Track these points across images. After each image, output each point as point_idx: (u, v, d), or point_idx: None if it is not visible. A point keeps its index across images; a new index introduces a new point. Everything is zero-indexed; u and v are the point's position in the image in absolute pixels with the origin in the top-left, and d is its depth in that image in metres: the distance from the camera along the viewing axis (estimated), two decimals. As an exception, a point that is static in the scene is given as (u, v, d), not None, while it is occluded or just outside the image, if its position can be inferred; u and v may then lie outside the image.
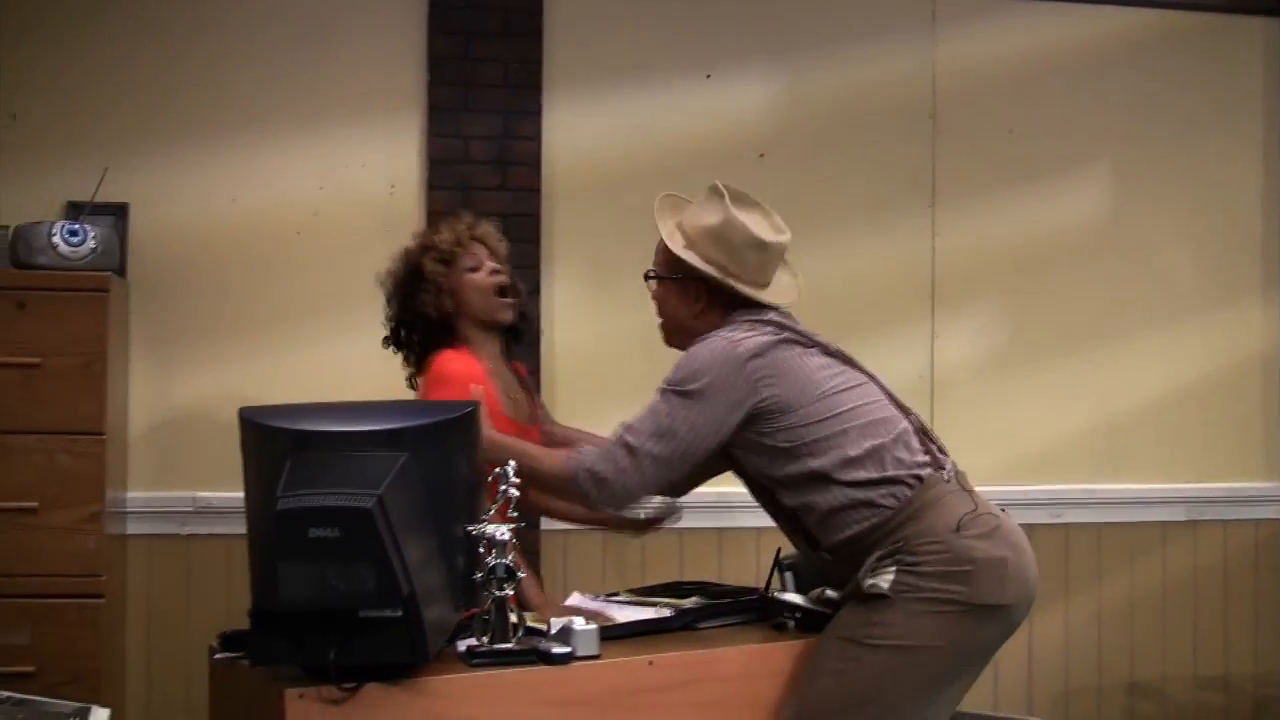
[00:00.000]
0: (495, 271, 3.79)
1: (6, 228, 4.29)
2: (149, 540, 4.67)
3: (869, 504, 3.31)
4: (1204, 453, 5.46)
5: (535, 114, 4.91)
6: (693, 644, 3.29)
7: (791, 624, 3.41)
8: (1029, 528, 4.94)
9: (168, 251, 4.70)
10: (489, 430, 3.50)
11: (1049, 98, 5.34)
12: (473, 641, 3.07)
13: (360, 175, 4.84)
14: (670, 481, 3.43)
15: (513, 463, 3.13)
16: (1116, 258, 5.38)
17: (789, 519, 3.46)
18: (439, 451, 3.02)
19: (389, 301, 3.92)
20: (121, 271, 4.55)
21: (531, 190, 4.87)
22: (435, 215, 4.82)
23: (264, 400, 3.21)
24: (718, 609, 3.53)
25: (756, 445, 3.37)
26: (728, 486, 4.93)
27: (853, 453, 3.31)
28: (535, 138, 4.91)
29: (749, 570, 3.72)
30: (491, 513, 3.10)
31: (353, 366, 4.78)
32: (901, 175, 5.20)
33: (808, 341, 3.43)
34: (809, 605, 3.38)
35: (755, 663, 3.28)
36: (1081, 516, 5.26)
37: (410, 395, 3.92)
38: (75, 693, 3.98)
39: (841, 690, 3.22)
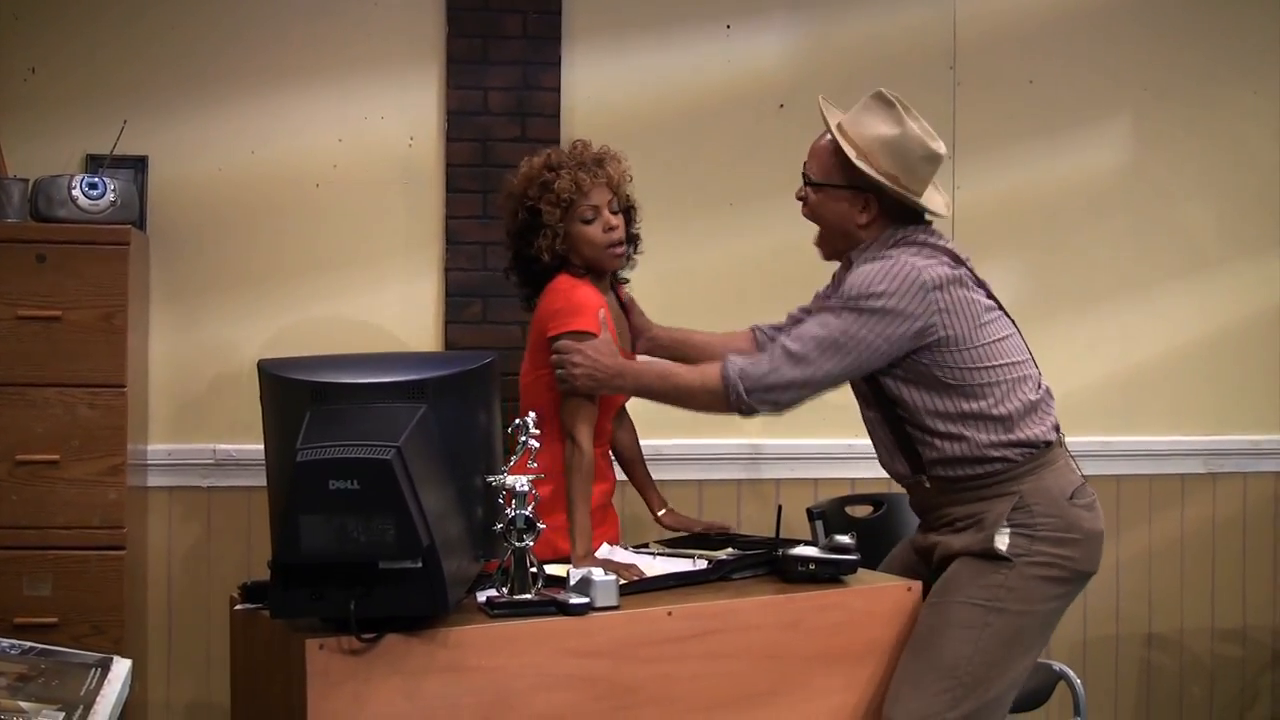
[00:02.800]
0: (610, 227, 3.73)
1: (26, 181, 4.29)
2: (170, 492, 4.69)
3: (1001, 459, 3.42)
4: (1223, 405, 5.44)
5: (555, 65, 4.90)
6: (711, 595, 3.30)
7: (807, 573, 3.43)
8: (1048, 480, 4.94)
9: (187, 204, 4.70)
10: (620, 360, 3.53)
11: (1070, 49, 5.30)
12: (493, 592, 3.09)
13: (379, 127, 4.83)
14: (816, 392, 3.45)
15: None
16: (1136, 210, 5.36)
17: (901, 442, 3.53)
18: (458, 402, 3.03)
19: (506, 230, 3.85)
20: (141, 224, 4.56)
21: (551, 142, 4.85)
22: (454, 168, 4.82)
23: (284, 353, 3.23)
24: (753, 560, 3.55)
25: (915, 372, 3.43)
26: (747, 438, 4.97)
27: (1005, 406, 3.43)
28: (555, 89, 4.89)
29: (770, 521, 3.73)
30: (512, 464, 3.11)
31: (372, 318, 4.79)
32: (921, 127, 5.18)
33: (975, 279, 3.52)
34: (824, 556, 3.40)
35: (773, 613, 3.29)
36: (1100, 469, 5.23)
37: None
38: (97, 644, 4.01)
39: (978, 654, 3.34)
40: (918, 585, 3.45)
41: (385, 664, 2.86)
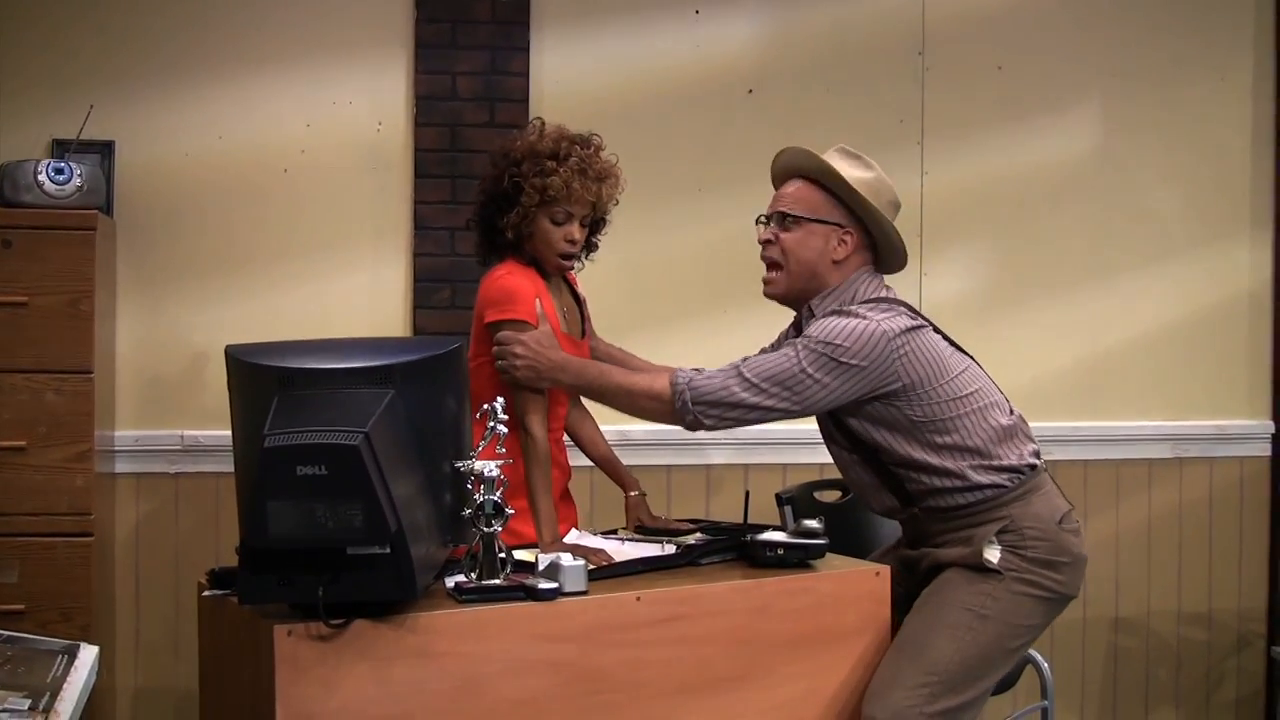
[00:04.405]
0: (571, 239, 3.70)
1: (-9, 166, 4.27)
2: (138, 479, 4.68)
3: (991, 485, 3.51)
4: (1190, 390, 5.47)
5: (523, 50, 4.89)
6: (680, 580, 3.31)
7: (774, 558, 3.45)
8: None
9: (155, 189, 4.68)
10: (562, 354, 3.53)
11: (1038, 35, 5.31)
12: (461, 578, 3.09)
13: (348, 112, 4.82)
14: (761, 419, 3.51)
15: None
16: (1104, 196, 5.38)
17: (885, 479, 3.62)
18: (426, 388, 3.02)
19: (482, 186, 3.80)
20: (108, 209, 4.54)
21: (520, 127, 4.84)
22: (423, 153, 4.81)
23: (252, 338, 3.21)
24: (720, 545, 3.55)
25: (886, 415, 3.52)
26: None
27: (978, 436, 3.51)
28: (523, 74, 4.89)
29: (737, 507, 3.74)
30: (480, 449, 3.11)
31: (340, 304, 4.79)
32: (889, 112, 5.18)
33: (931, 325, 3.61)
34: (792, 541, 3.42)
35: (741, 598, 3.30)
36: (1068, 454, 5.28)
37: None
38: (65, 630, 4.01)
39: (959, 654, 3.40)
40: (885, 570, 3.47)
41: (354, 650, 2.86)
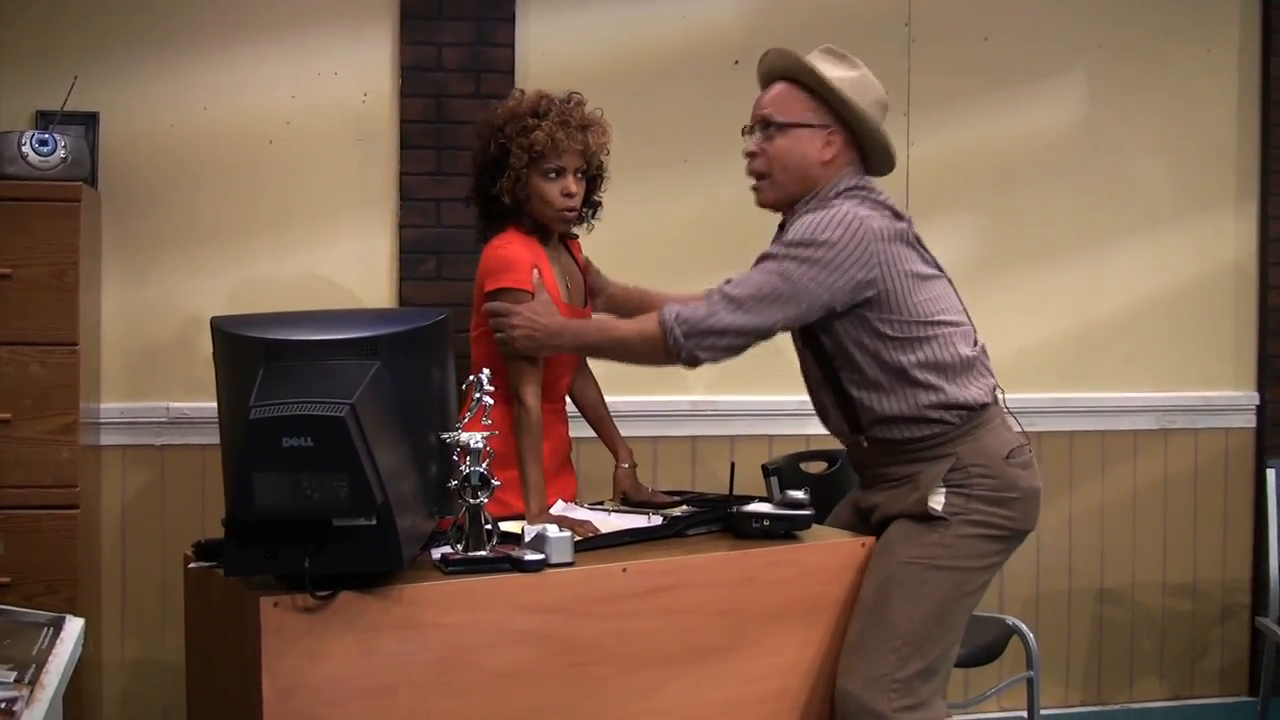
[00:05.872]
0: (568, 192, 3.71)
1: (-26, 137, 4.25)
2: (123, 451, 4.67)
3: (939, 420, 3.45)
4: (1176, 362, 5.48)
5: (509, 21, 4.87)
6: (666, 551, 3.31)
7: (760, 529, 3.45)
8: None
9: (139, 161, 4.66)
10: (559, 319, 3.53)
11: (1025, 5, 5.30)
12: (447, 549, 3.09)
13: (333, 83, 4.80)
14: (755, 339, 3.45)
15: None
16: (1091, 166, 5.38)
17: (840, 400, 3.54)
18: (412, 359, 3.02)
19: (474, 159, 3.83)
20: (93, 181, 4.52)
21: (506, 98, 4.84)
22: (408, 125, 4.80)
23: (237, 310, 3.22)
24: (707, 516, 3.56)
25: (854, 324, 3.44)
26: (701, 395, 4.98)
27: (944, 357, 3.44)
28: (509, 45, 4.87)
29: (723, 479, 3.74)
30: (466, 420, 3.11)
31: (326, 275, 4.77)
32: (876, 83, 5.18)
33: (915, 236, 3.54)
34: (778, 512, 3.42)
35: (727, 569, 3.31)
36: (1054, 425, 5.29)
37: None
38: (51, 603, 4.01)
39: (918, 612, 3.36)
40: (870, 540, 3.48)
41: (340, 621, 2.86)
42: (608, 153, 3.81)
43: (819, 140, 3.54)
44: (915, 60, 5.20)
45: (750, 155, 3.63)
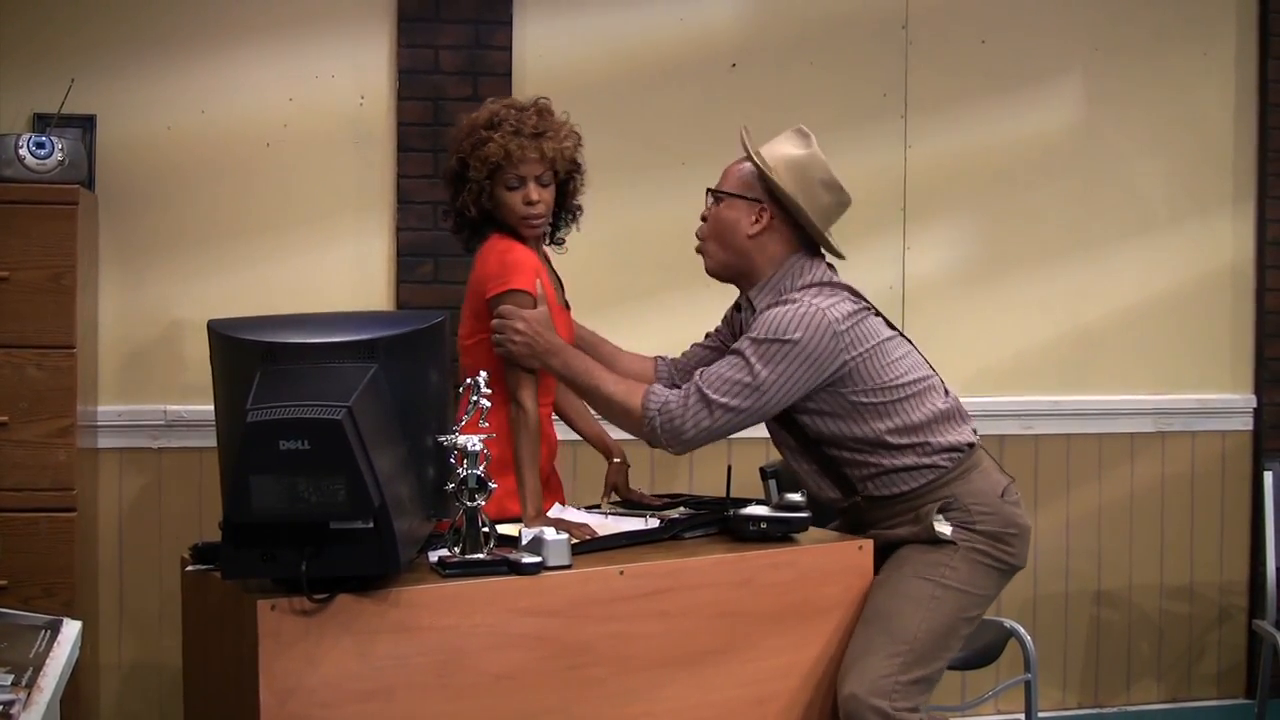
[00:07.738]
0: (530, 200, 3.68)
1: (-28, 140, 4.25)
2: (120, 454, 4.67)
3: (930, 466, 3.54)
4: (1173, 364, 5.48)
5: (506, 24, 4.87)
6: (663, 554, 3.31)
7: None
8: (998, 439, 5.01)
9: (136, 164, 4.66)
10: (558, 341, 3.53)
11: (1022, 8, 5.31)
12: (444, 552, 3.09)
13: (330, 86, 4.81)
14: (733, 432, 3.56)
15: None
16: (1088, 169, 5.38)
17: (826, 468, 3.64)
18: (409, 362, 3.02)
19: (442, 173, 3.84)
20: (90, 184, 4.52)
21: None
22: (405, 127, 4.80)
23: (234, 312, 3.20)
24: (704, 518, 3.57)
25: (829, 405, 3.54)
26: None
27: (918, 418, 3.54)
28: (506, 48, 4.87)
29: (720, 481, 3.74)
30: (463, 424, 3.11)
31: (323, 278, 4.78)
32: (873, 86, 5.18)
33: (872, 309, 3.63)
34: (775, 515, 3.43)
35: (724, 572, 3.31)
36: (1051, 427, 5.29)
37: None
38: (48, 606, 4.01)
39: (926, 625, 3.44)
40: (869, 544, 3.49)
41: (337, 624, 2.86)
42: (574, 157, 3.77)
43: (751, 213, 3.62)
44: (913, 63, 5.20)
45: (702, 221, 3.73)
